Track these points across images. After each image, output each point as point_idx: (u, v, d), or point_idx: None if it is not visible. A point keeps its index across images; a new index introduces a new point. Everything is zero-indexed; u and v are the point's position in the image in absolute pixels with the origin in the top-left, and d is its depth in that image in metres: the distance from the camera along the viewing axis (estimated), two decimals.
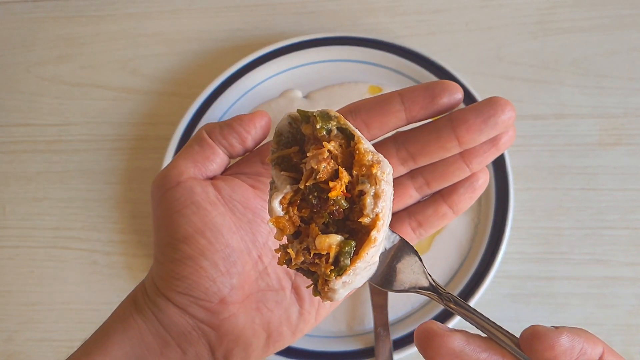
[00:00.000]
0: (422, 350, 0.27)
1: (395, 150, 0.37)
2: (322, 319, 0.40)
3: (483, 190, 0.38)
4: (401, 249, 0.31)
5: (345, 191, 0.28)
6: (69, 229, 0.64)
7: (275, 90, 0.63)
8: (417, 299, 0.57)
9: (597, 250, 0.58)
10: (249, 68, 0.63)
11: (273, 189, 0.29)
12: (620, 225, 0.59)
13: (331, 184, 0.27)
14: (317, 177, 0.27)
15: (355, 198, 0.28)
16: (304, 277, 0.37)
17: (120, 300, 0.63)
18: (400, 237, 0.32)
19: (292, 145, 0.30)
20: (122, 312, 0.37)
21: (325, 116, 0.28)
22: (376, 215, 0.27)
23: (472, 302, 0.55)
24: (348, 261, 0.27)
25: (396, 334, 0.55)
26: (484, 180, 0.38)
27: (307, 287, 0.30)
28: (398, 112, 0.35)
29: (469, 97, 0.60)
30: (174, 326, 0.35)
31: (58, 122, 0.67)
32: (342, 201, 0.28)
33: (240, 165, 0.39)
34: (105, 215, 0.64)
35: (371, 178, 0.27)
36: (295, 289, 0.39)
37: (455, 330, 0.27)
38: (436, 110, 0.35)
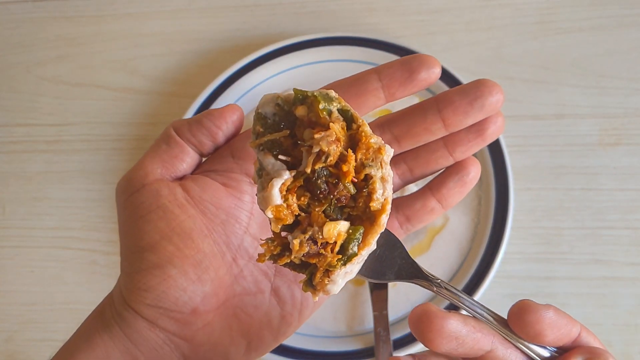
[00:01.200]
0: (420, 332, 0.27)
1: (379, 133, 0.35)
2: (305, 320, 0.38)
3: (474, 184, 0.36)
4: (386, 239, 0.31)
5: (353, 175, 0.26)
6: (68, 228, 0.64)
7: (275, 90, 0.63)
8: (417, 298, 0.57)
9: (597, 250, 0.58)
10: (249, 68, 0.63)
11: (263, 175, 0.27)
12: (620, 225, 0.59)
13: (344, 167, 0.26)
14: (328, 160, 0.26)
15: (360, 183, 0.27)
16: (288, 275, 0.35)
17: None
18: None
19: (279, 129, 0.28)
20: (87, 328, 0.34)
21: (326, 97, 0.27)
22: (385, 199, 0.26)
23: None
24: (356, 249, 0.26)
25: (396, 334, 0.55)
26: (475, 174, 0.36)
27: (300, 281, 0.28)
28: (376, 91, 0.33)
29: None
30: (143, 341, 0.33)
31: (58, 122, 0.67)
32: (351, 186, 0.26)
33: (210, 162, 0.36)
34: (105, 215, 0.64)
35: (377, 161, 0.26)
36: (275, 291, 0.36)
37: (449, 312, 0.27)
38: (415, 86, 0.33)
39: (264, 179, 0.27)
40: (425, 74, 0.33)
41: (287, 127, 0.28)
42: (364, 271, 0.31)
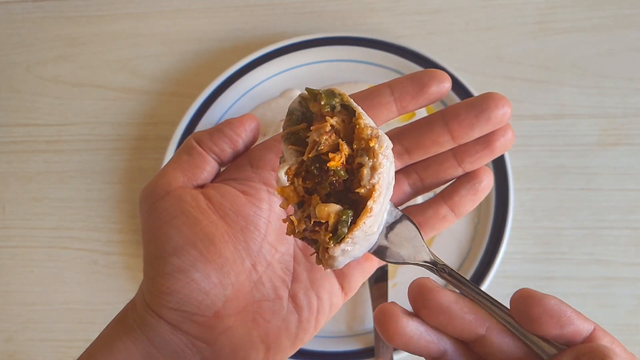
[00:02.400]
0: (413, 301, 0.28)
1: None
2: (321, 326, 0.38)
3: (486, 193, 0.37)
4: (402, 224, 0.32)
5: (344, 163, 0.29)
6: (68, 229, 0.64)
7: (275, 90, 0.63)
8: None
9: (597, 250, 0.58)
10: (249, 68, 0.63)
11: (282, 161, 0.31)
12: (620, 226, 0.59)
13: (331, 155, 0.29)
14: (319, 148, 0.29)
15: (355, 170, 0.29)
16: (305, 282, 0.37)
17: (119, 300, 0.62)
18: (402, 213, 0.32)
19: (302, 123, 0.32)
20: (108, 334, 0.35)
21: (330, 94, 0.30)
22: (372, 186, 0.28)
23: None
24: (345, 229, 0.28)
25: None
26: (488, 182, 0.37)
27: (311, 255, 0.32)
28: (389, 104, 0.35)
29: (469, 97, 0.60)
30: (165, 344, 0.33)
31: (58, 122, 0.67)
32: (342, 172, 0.29)
33: (229, 171, 0.37)
34: (105, 215, 0.64)
35: (369, 151, 0.29)
36: (293, 298, 0.37)
37: (448, 289, 0.28)
38: (426, 100, 0.35)
39: (282, 164, 0.31)
40: (436, 87, 0.34)
41: (306, 121, 0.31)
42: (377, 252, 0.32)
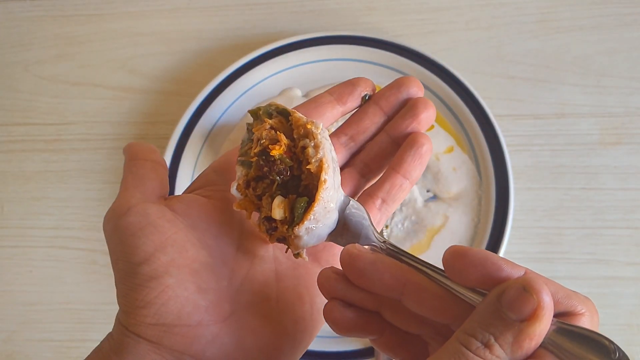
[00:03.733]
0: (343, 268, 0.31)
1: (336, 138, 0.39)
2: (322, 322, 0.36)
3: (430, 155, 0.40)
4: (353, 208, 0.34)
5: (287, 151, 0.33)
6: (68, 228, 0.63)
7: (274, 89, 0.63)
8: None
9: (598, 250, 0.58)
10: (249, 67, 0.63)
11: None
12: (621, 225, 0.58)
13: (271, 146, 0.32)
14: (262, 142, 0.33)
15: (300, 156, 0.33)
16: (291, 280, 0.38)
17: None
18: (351, 198, 0.35)
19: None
20: None
21: (267, 106, 0.34)
22: (320, 160, 0.32)
23: None
24: (302, 211, 0.31)
25: None
26: (428, 146, 0.39)
27: (285, 251, 0.34)
28: (330, 103, 0.39)
29: (469, 96, 0.60)
30: None
31: (57, 121, 0.66)
32: (286, 159, 0.33)
33: (194, 183, 0.37)
34: (104, 214, 0.63)
35: (309, 134, 0.32)
36: (280, 298, 0.35)
37: (370, 253, 0.31)
38: (359, 96, 0.40)
39: (232, 183, 0.34)
40: (363, 87, 0.40)
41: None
42: (334, 237, 0.34)
